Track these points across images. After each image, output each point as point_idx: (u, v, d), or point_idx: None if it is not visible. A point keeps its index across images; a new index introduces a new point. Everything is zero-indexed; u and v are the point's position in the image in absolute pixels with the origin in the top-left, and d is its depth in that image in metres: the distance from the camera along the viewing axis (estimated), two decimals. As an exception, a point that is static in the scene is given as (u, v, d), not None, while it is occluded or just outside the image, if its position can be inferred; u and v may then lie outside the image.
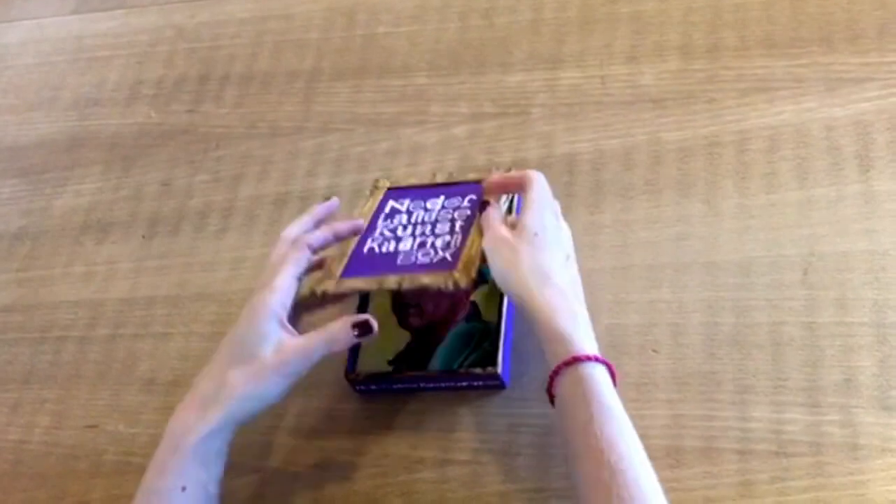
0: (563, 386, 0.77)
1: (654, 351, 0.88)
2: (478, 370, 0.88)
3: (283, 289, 0.84)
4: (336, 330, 0.83)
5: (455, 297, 0.93)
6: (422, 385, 0.91)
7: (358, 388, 0.93)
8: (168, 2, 1.34)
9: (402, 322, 0.94)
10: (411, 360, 0.91)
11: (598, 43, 1.10)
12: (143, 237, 1.11)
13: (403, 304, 0.94)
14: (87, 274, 1.10)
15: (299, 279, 0.86)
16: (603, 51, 1.10)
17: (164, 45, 1.29)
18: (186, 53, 1.27)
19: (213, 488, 0.81)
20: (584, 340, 0.78)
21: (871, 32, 1.02)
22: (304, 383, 0.95)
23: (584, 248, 0.93)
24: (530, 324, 0.81)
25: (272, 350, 0.82)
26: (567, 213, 0.97)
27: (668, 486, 0.74)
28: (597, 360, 0.76)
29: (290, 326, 0.83)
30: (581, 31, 1.12)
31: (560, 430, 0.78)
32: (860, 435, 0.80)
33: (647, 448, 0.75)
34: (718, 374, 0.86)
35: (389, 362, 0.92)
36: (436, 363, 0.90)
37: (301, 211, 0.96)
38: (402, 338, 0.93)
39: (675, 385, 0.86)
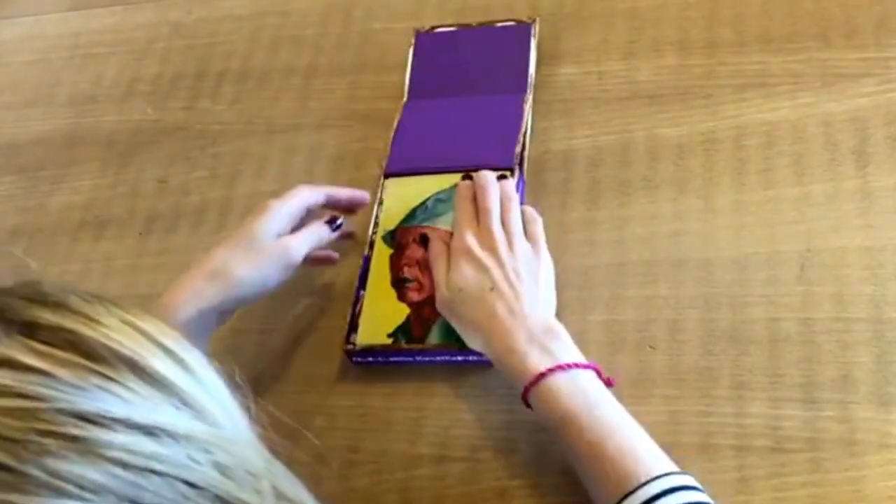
0: (535, 406, 0.80)
1: (651, 347, 0.88)
2: None
3: (287, 205, 0.91)
4: (318, 226, 0.93)
5: None
6: (418, 359, 0.92)
7: (355, 359, 0.93)
8: (165, -2, 1.34)
9: (401, 297, 0.94)
10: (409, 333, 0.92)
11: (594, 39, 1.10)
12: (140, 234, 1.11)
13: (402, 279, 0.94)
14: (83, 271, 1.10)
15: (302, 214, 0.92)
16: (599, 47, 1.09)
17: (160, 42, 1.29)
18: (183, 50, 1.27)
19: None
20: (527, 363, 0.80)
21: (868, 28, 1.02)
22: (300, 379, 0.95)
23: (581, 245, 0.93)
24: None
25: (277, 239, 0.88)
26: (564, 209, 0.98)
27: (665, 483, 0.74)
28: (544, 375, 0.79)
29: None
30: (578, 27, 1.12)
31: (549, 429, 0.81)
32: (857, 430, 0.80)
33: (644, 444, 0.75)
34: (715, 370, 0.86)
35: (388, 335, 0.92)
36: (433, 337, 0.91)
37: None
38: (400, 313, 0.93)
39: (672, 381, 0.86)
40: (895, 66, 0.99)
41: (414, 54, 1.10)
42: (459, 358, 0.91)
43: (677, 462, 0.75)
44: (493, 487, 0.85)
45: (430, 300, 0.92)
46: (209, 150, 1.16)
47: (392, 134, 1.05)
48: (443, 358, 0.91)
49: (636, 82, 1.05)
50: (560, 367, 0.79)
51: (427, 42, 1.11)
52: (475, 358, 0.90)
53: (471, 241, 0.88)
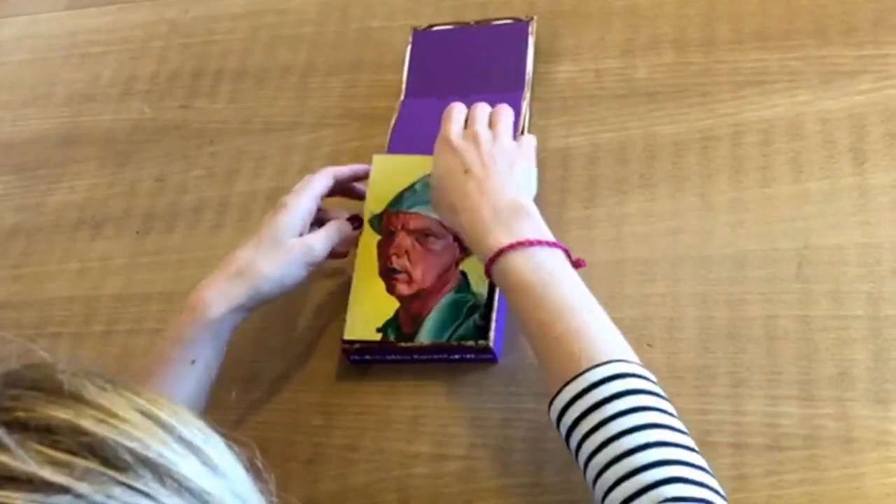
0: (497, 283, 0.82)
1: (649, 345, 0.88)
2: (470, 343, 0.89)
3: (304, 199, 0.92)
4: (341, 222, 0.94)
5: (444, 266, 0.93)
6: (415, 357, 0.92)
7: (352, 358, 0.93)
8: (162, -3, 1.34)
9: (390, 289, 0.93)
10: (399, 329, 0.91)
11: (592, 36, 1.10)
12: (138, 233, 1.11)
13: (391, 269, 0.94)
14: (81, 270, 1.10)
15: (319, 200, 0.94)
16: (597, 44, 1.09)
17: (157, 41, 1.29)
18: (180, 49, 1.27)
19: (215, 372, 0.87)
20: (490, 236, 0.81)
21: (865, 25, 1.02)
22: (298, 378, 0.95)
23: (579, 243, 0.92)
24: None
25: (299, 237, 0.90)
26: (561, 207, 0.98)
27: (663, 481, 0.74)
28: (507, 249, 0.79)
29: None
30: (575, 25, 1.12)
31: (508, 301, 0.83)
32: (854, 428, 0.80)
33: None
34: (712, 367, 0.86)
35: (378, 329, 0.92)
36: (423, 335, 0.91)
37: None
38: (389, 306, 0.93)
39: (670, 379, 0.85)
40: (892, 62, 0.99)
41: (411, 53, 1.10)
42: (457, 356, 0.91)
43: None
44: (490, 486, 0.85)
45: (421, 294, 0.92)
46: (206, 149, 1.16)
47: (390, 132, 1.05)
48: (441, 356, 0.91)
49: (634, 80, 1.05)
50: (520, 244, 0.79)
51: (424, 41, 1.11)
52: (473, 356, 0.90)
53: (454, 132, 0.90)
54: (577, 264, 0.81)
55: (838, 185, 0.93)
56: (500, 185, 0.85)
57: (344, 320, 0.94)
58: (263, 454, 0.91)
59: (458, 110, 0.93)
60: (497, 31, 1.09)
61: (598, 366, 0.72)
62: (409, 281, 0.93)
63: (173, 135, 1.19)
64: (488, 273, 0.82)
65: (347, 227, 0.94)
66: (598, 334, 0.75)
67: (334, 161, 1.09)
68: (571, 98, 1.06)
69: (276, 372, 0.97)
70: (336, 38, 1.21)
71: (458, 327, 0.90)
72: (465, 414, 0.89)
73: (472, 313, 0.90)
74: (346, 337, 0.92)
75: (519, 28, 1.07)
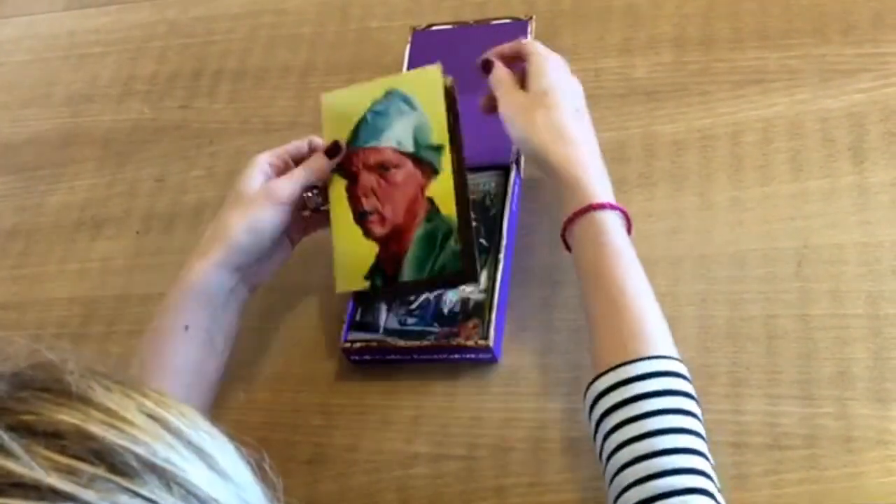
0: (576, 232, 0.81)
1: (649, 344, 0.88)
2: (470, 343, 0.89)
3: (272, 153, 0.91)
4: (312, 160, 0.92)
5: (411, 197, 0.92)
6: (415, 357, 0.92)
7: (353, 358, 0.93)
8: (161, -3, 1.34)
9: (367, 233, 0.93)
10: (383, 273, 0.91)
11: (591, 36, 1.10)
12: (138, 233, 1.11)
13: (362, 212, 0.93)
14: (81, 271, 1.10)
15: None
16: (596, 44, 1.09)
17: (157, 41, 1.29)
18: (179, 49, 1.27)
19: (220, 342, 0.87)
20: (597, 188, 0.82)
21: (864, 23, 1.02)
22: (298, 378, 0.95)
23: (578, 242, 0.92)
24: (550, 178, 0.85)
25: (260, 186, 0.89)
26: (562, 207, 0.97)
27: (663, 480, 0.74)
28: (610, 207, 0.81)
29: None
30: (574, 24, 1.12)
31: (576, 272, 0.82)
32: (854, 427, 0.80)
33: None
34: (712, 367, 0.86)
35: (365, 278, 0.92)
36: (406, 273, 0.90)
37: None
38: (370, 251, 0.92)
39: (670, 378, 0.86)
40: (892, 61, 0.99)
41: (410, 53, 1.10)
42: (457, 356, 0.91)
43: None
44: (490, 486, 0.85)
45: (395, 232, 0.91)
46: (206, 149, 1.16)
47: None
48: (441, 356, 0.91)
49: (633, 79, 1.05)
50: (618, 209, 0.81)
51: (423, 41, 1.11)
52: (473, 356, 0.90)
53: (560, 57, 0.90)
54: (629, 229, 0.83)
55: (838, 183, 0.93)
56: (597, 148, 0.87)
57: (343, 321, 0.94)
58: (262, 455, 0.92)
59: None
60: (496, 30, 1.09)
61: (649, 358, 0.73)
62: (382, 220, 0.92)
63: (173, 135, 1.19)
64: (574, 219, 0.81)
65: (319, 162, 0.92)
66: (656, 323, 0.77)
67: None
68: (571, 97, 1.06)
69: (277, 372, 0.97)
70: (335, 38, 1.21)
71: (437, 259, 0.89)
72: (464, 414, 0.89)
73: (447, 240, 0.90)
74: (338, 290, 0.92)
75: (518, 27, 1.07)
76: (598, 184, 0.82)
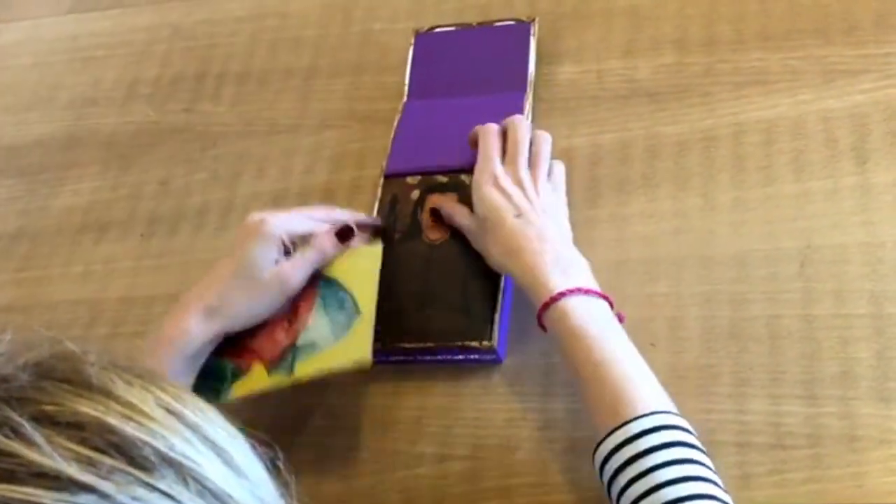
0: (547, 326, 0.83)
1: (652, 345, 0.88)
2: (474, 344, 0.89)
3: (286, 216, 0.90)
4: (322, 241, 0.90)
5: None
6: (419, 358, 0.92)
7: None
8: (164, 0, 1.34)
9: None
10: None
11: (593, 37, 1.10)
12: (142, 236, 1.11)
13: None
14: (85, 273, 1.10)
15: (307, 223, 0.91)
16: (599, 45, 1.09)
17: (160, 44, 1.29)
18: (183, 52, 1.27)
19: None
20: (549, 282, 0.83)
21: (866, 24, 1.02)
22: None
23: (581, 243, 0.92)
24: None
25: (272, 271, 0.87)
26: (564, 207, 0.97)
27: (666, 480, 0.74)
28: (566, 294, 0.81)
29: (287, 247, 0.89)
30: (577, 26, 1.12)
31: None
32: (858, 427, 0.80)
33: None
34: (716, 367, 0.86)
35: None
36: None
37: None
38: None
39: (673, 379, 0.85)
40: (894, 62, 0.99)
41: (413, 55, 1.10)
42: (461, 357, 0.91)
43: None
44: (494, 486, 0.85)
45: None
46: (210, 152, 1.16)
47: (392, 134, 1.05)
48: (444, 357, 0.92)
49: (635, 81, 1.06)
50: (579, 290, 0.82)
51: (426, 43, 1.11)
52: (477, 357, 0.90)
53: (498, 170, 0.91)
54: (619, 318, 0.83)
55: (840, 184, 0.93)
56: (556, 234, 0.87)
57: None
58: (268, 455, 0.92)
59: (493, 137, 0.93)
60: (499, 32, 1.09)
61: (643, 416, 0.74)
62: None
63: (177, 138, 1.19)
64: (541, 315, 0.83)
65: (330, 245, 0.91)
66: (648, 384, 0.77)
67: (337, 163, 1.09)
68: (573, 99, 1.06)
69: (281, 374, 0.97)
70: (338, 40, 1.22)
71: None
72: (469, 414, 0.90)
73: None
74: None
75: (521, 29, 1.08)
76: (553, 274, 0.83)
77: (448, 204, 0.96)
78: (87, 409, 0.46)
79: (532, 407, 0.88)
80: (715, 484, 0.71)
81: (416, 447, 0.89)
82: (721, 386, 0.85)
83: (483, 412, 0.89)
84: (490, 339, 0.89)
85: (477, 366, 0.91)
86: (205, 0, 1.32)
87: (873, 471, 0.78)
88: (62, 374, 0.48)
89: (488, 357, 0.90)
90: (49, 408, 0.46)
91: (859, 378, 0.82)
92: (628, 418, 0.74)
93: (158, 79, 1.26)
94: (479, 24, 1.11)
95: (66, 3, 1.40)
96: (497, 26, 1.10)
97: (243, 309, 0.87)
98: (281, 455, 0.55)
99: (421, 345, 0.91)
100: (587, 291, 0.82)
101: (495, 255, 0.89)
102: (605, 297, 0.83)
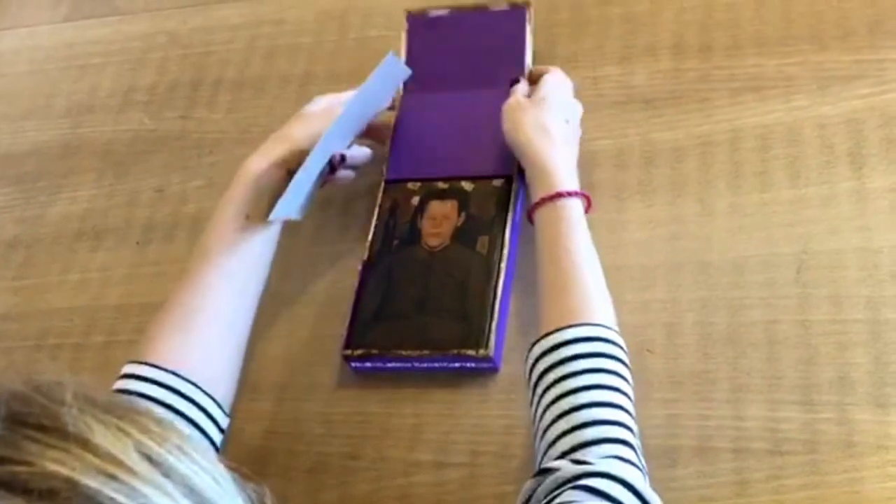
0: (542, 213, 0.88)
1: (649, 351, 0.88)
2: (470, 352, 0.89)
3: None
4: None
5: None
6: (415, 365, 0.92)
7: (353, 364, 0.94)
8: (160, 8, 1.34)
9: None
10: None
11: (590, 44, 1.10)
12: (138, 244, 1.11)
13: None
14: (81, 281, 1.10)
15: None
16: (595, 52, 1.10)
17: (156, 52, 1.29)
18: (179, 59, 1.27)
19: (269, 254, 0.94)
20: (566, 180, 0.89)
21: (861, 30, 1.02)
22: (299, 387, 0.95)
23: (578, 249, 0.92)
24: (527, 167, 0.93)
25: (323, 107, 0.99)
26: (560, 214, 0.97)
27: (664, 486, 0.74)
28: (576, 195, 0.88)
29: None
30: (573, 33, 1.12)
31: (535, 245, 0.88)
32: (855, 432, 0.80)
33: (644, 447, 0.75)
34: (713, 373, 0.86)
35: None
36: None
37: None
38: None
39: (670, 385, 0.86)
40: (889, 67, 0.99)
41: (407, 40, 1.09)
42: (457, 364, 0.91)
43: (675, 465, 0.76)
44: (492, 493, 0.85)
45: None
46: (206, 159, 1.16)
47: (392, 126, 1.05)
48: (441, 364, 0.91)
49: (631, 87, 1.06)
50: (583, 194, 0.89)
51: (420, 28, 1.10)
52: (473, 365, 0.90)
53: (568, 81, 1.00)
54: (588, 207, 0.91)
55: (836, 189, 0.93)
56: (576, 155, 0.96)
57: (344, 330, 0.94)
58: (265, 464, 0.92)
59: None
60: (494, 17, 1.08)
61: (580, 325, 0.79)
62: None
63: (173, 145, 1.19)
64: (539, 203, 0.88)
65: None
66: (601, 297, 0.83)
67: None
68: (570, 105, 1.06)
69: (278, 381, 0.97)
70: (334, 47, 1.22)
71: None
72: (466, 421, 0.90)
73: None
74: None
75: (516, 15, 1.07)
76: (567, 176, 0.90)
77: (523, 81, 1.01)
78: (60, 468, 0.44)
79: (528, 415, 0.88)
80: (624, 394, 0.76)
81: (413, 454, 0.89)
82: (718, 392, 0.85)
83: (480, 419, 0.89)
84: (486, 347, 0.89)
85: (473, 373, 0.91)
86: (201, 8, 1.32)
87: (870, 476, 0.78)
88: (36, 419, 0.46)
89: (485, 365, 0.90)
90: (21, 469, 0.44)
91: (856, 384, 0.82)
92: (578, 322, 0.79)
93: (155, 86, 1.26)
94: (474, 7, 1.10)
95: (63, 10, 1.40)
96: (492, 11, 1.08)
97: (304, 135, 0.95)
98: (269, 493, 0.54)
99: (418, 352, 0.91)
100: (588, 197, 0.90)
101: (525, 129, 0.93)
102: (587, 197, 0.90)
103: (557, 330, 0.79)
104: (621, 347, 0.79)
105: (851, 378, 0.83)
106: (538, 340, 0.80)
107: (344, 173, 1.00)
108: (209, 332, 0.88)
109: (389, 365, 0.93)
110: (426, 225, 0.98)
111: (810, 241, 0.90)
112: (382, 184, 1.02)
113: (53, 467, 0.44)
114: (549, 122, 0.94)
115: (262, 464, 0.91)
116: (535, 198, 0.89)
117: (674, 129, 1.01)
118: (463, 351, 0.90)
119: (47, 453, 0.45)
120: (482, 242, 0.95)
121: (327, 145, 0.95)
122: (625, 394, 0.76)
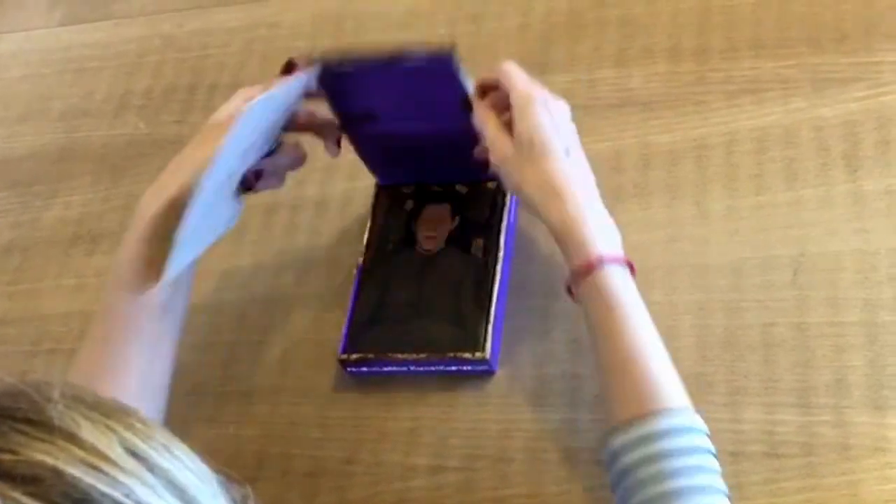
0: (583, 289, 0.79)
1: (646, 354, 0.88)
2: (467, 355, 0.89)
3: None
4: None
5: None
6: (412, 369, 0.92)
7: (349, 369, 0.93)
8: (156, 12, 1.34)
9: None
10: None
11: (586, 47, 1.10)
12: (134, 248, 1.11)
13: None
14: (77, 286, 1.10)
15: None
16: (591, 54, 1.09)
17: (152, 56, 1.29)
18: (175, 63, 1.27)
19: (181, 305, 0.86)
20: (597, 241, 0.79)
21: (858, 32, 1.02)
22: (295, 391, 0.95)
23: (575, 253, 0.92)
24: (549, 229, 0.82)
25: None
26: (557, 217, 0.97)
27: (661, 490, 0.74)
28: (612, 260, 0.78)
29: None
30: (569, 36, 1.12)
31: (586, 325, 0.80)
32: (852, 435, 0.80)
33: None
34: (710, 375, 0.86)
35: None
36: None
37: (290, 220, 0.95)
38: None
39: (667, 388, 0.86)
40: (885, 70, 0.99)
41: (329, 97, 0.92)
42: (454, 368, 0.91)
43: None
44: (489, 497, 0.85)
45: None
46: (202, 163, 1.16)
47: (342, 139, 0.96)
48: (438, 369, 0.91)
49: (628, 90, 1.05)
50: (619, 259, 0.79)
51: (332, 81, 0.90)
52: (470, 368, 0.90)
53: (547, 94, 0.83)
54: (630, 268, 0.81)
55: (833, 192, 0.93)
56: (594, 182, 0.83)
57: (340, 334, 0.94)
58: (261, 468, 0.92)
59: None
60: (414, 73, 0.85)
61: (672, 410, 0.73)
62: None
63: (169, 149, 1.17)
64: (578, 277, 0.78)
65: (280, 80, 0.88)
66: (668, 376, 0.76)
67: (329, 174, 1.09)
68: (566, 108, 1.06)
69: (274, 385, 0.96)
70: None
71: None
72: (463, 425, 0.89)
73: None
74: None
75: (440, 67, 0.84)
76: (598, 235, 0.79)
77: (490, 126, 0.84)
78: (46, 457, 0.45)
79: (526, 418, 0.88)
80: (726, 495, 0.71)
81: (409, 458, 0.89)
82: (715, 395, 0.84)
83: (477, 423, 0.89)
84: (483, 349, 0.89)
85: (470, 377, 0.91)
86: (196, 11, 1.32)
87: (867, 479, 0.78)
88: (23, 413, 0.46)
89: (481, 368, 0.90)
90: (6, 457, 0.44)
91: (853, 386, 0.82)
92: (651, 412, 0.73)
93: (150, 90, 1.26)
94: (389, 57, 0.85)
95: (58, 14, 1.40)
96: (407, 66, 0.85)
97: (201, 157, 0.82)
98: (253, 496, 0.54)
99: (414, 356, 0.91)
100: (631, 264, 0.80)
101: (532, 193, 0.81)
102: (630, 265, 0.80)
103: (639, 419, 0.73)
104: (706, 433, 0.74)
105: (848, 381, 0.83)
106: (617, 431, 0.73)
107: (267, 183, 0.90)
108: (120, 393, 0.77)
109: (386, 369, 0.92)
110: (421, 228, 0.98)
111: (807, 244, 0.90)
112: (375, 187, 1.02)
113: (39, 457, 0.45)
114: (553, 173, 0.81)
115: (257, 468, 0.91)
116: (571, 268, 0.79)
117: (670, 131, 1.01)
118: (459, 354, 0.89)
119: (33, 444, 0.45)
120: (477, 245, 0.95)
121: (215, 179, 0.81)
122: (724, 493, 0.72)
